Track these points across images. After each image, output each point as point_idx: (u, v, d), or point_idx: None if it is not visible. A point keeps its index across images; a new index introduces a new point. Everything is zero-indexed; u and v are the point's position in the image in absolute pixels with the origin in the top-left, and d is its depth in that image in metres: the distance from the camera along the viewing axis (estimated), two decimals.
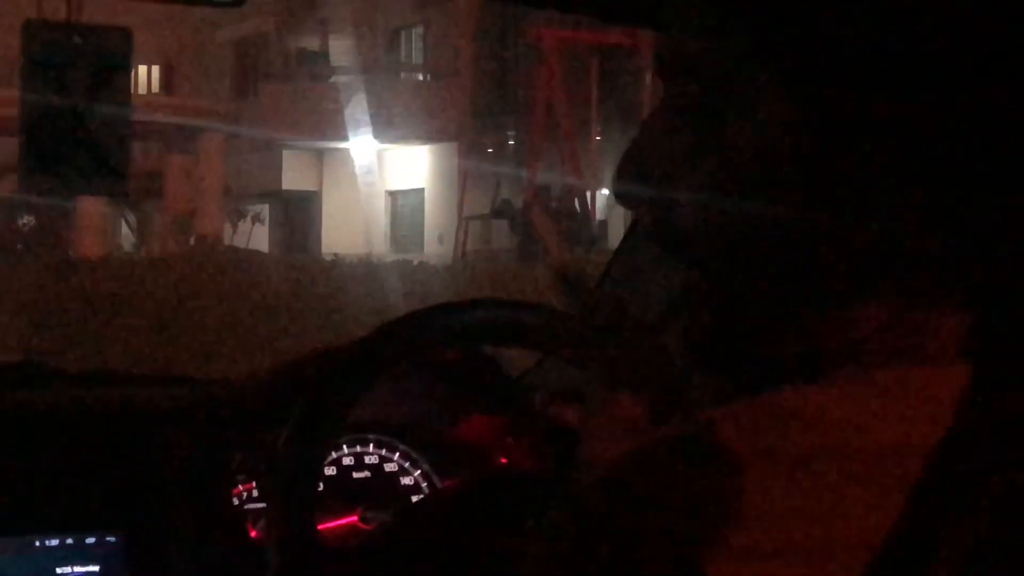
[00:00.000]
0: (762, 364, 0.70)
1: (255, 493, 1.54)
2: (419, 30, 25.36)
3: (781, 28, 0.67)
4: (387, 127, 23.92)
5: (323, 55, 25.79)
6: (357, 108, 23.31)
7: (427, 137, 24.45)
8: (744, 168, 0.68)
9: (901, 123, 0.65)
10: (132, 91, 1.36)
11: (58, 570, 1.46)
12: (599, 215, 20.58)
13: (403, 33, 25.67)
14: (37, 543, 1.47)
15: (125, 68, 1.31)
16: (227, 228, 23.05)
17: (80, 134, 1.29)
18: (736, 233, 0.69)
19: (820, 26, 0.65)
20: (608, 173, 20.96)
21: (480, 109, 23.65)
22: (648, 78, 19.11)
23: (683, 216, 0.71)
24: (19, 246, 18.59)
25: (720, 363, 0.74)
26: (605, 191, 20.76)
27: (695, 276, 0.74)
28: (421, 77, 25.74)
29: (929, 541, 0.60)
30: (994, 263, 0.67)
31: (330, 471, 1.62)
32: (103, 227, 20.26)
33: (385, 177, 25.48)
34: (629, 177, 0.74)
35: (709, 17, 0.70)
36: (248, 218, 24.78)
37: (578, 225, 19.60)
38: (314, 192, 26.43)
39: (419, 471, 1.67)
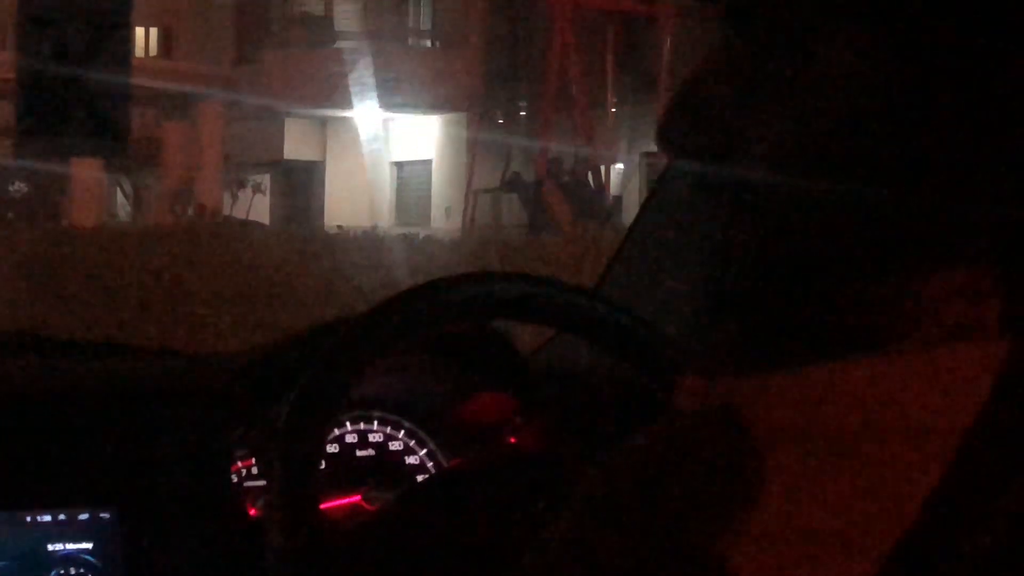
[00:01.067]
0: (797, 337, 0.69)
1: (255, 470, 1.54)
2: None
3: None
4: (393, 95, 23.91)
5: (327, 19, 25.80)
6: (362, 75, 23.27)
7: (435, 106, 24.46)
8: (831, 120, 0.67)
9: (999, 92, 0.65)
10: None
11: (50, 547, 1.47)
12: (613, 190, 20.60)
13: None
14: (28, 519, 1.47)
15: (125, 27, 1.30)
16: (227, 198, 23.05)
17: (79, 95, 1.29)
18: (810, 195, 0.68)
19: None
20: (624, 146, 20.97)
21: (491, 78, 23.64)
22: (667, 47, 19.08)
23: (751, 168, 0.70)
24: (9, 214, 18.62)
25: (752, 337, 0.74)
26: (620, 165, 20.80)
27: (739, 237, 0.73)
28: (429, 44, 25.75)
29: (958, 525, 0.60)
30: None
31: (333, 448, 1.62)
32: (98, 196, 20.26)
33: (391, 147, 25.51)
34: (682, 121, 0.72)
35: None
36: (249, 188, 24.79)
37: (591, 200, 19.61)
38: (317, 162, 26.46)
39: (425, 450, 1.67)
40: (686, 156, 0.74)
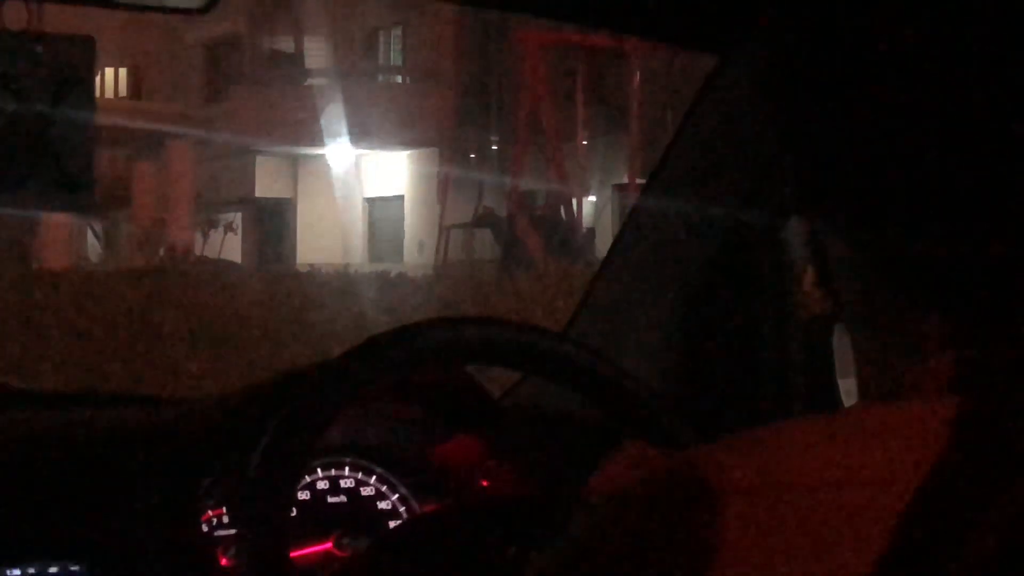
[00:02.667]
0: (748, 399, 0.70)
1: (225, 519, 1.54)
2: (398, 31, 25.41)
3: None
4: (365, 132, 23.90)
5: (297, 57, 25.82)
6: (333, 112, 23.29)
7: (407, 143, 24.48)
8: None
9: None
10: (98, 95, 1.36)
11: None
12: (586, 222, 20.62)
13: (381, 34, 25.72)
14: (7, 572, 1.47)
15: (88, 77, 1.31)
16: (198, 238, 23.02)
17: (43, 148, 1.29)
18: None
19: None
20: (596, 178, 20.97)
21: (462, 114, 23.68)
22: (636, 81, 19.14)
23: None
24: None
25: (705, 397, 0.75)
26: (592, 197, 20.82)
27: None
28: (400, 80, 25.80)
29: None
30: (982, 310, 0.67)
31: (304, 495, 1.62)
32: (68, 238, 20.25)
33: (363, 184, 25.52)
34: None
35: None
36: (220, 227, 24.75)
37: (564, 233, 19.61)
38: (288, 200, 26.44)
39: (397, 495, 1.67)
40: None
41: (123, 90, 24.28)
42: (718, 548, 0.62)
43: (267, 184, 26.24)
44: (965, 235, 0.66)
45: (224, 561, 1.50)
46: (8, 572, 1.47)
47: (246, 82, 26.32)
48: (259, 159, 25.76)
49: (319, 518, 1.61)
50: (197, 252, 20.84)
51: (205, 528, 1.53)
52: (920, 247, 0.66)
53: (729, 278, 1.74)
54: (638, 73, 18.89)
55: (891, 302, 0.68)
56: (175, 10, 1.22)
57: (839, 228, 0.69)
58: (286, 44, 26.08)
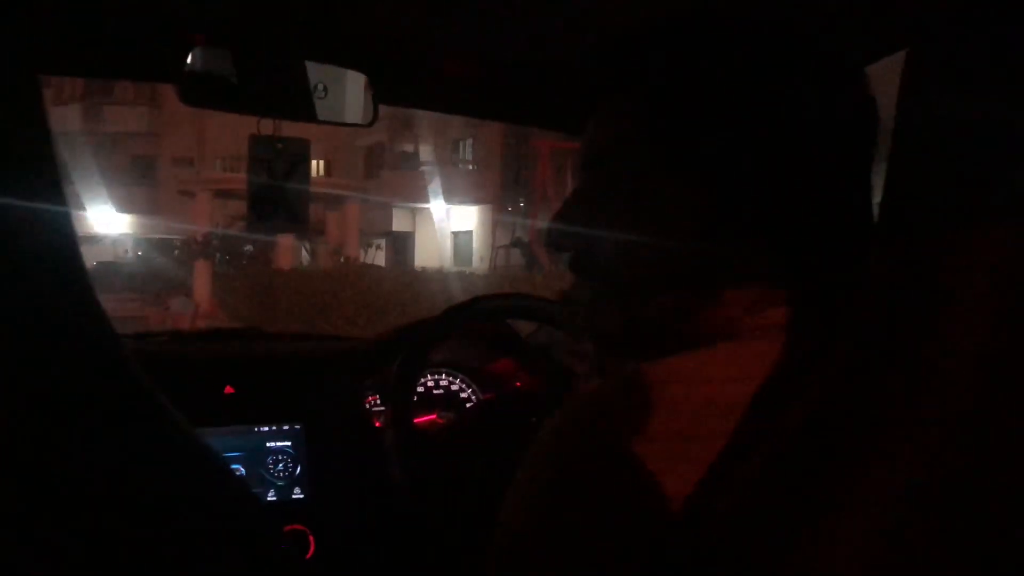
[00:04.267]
0: (647, 348, 0.67)
1: (378, 401, 1.54)
2: (470, 140, 25.28)
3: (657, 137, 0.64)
4: (452, 195, 23.89)
5: (415, 155, 25.72)
6: (435, 184, 23.33)
7: (474, 201, 24.38)
8: (631, 220, 0.65)
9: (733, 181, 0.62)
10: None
11: (267, 444, 1.47)
12: None
13: (460, 142, 25.58)
14: (256, 429, 1.47)
15: (306, 162, 1.30)
16: (361, 252, 23.01)
17: (281, 200, 1.28)
18: (631, 257, 0.66)
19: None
20: None
21: (505, 185, 23.62)
22: None
23: (598, 250, 0.67)
24: (243, 262, 18.60)
25: (618, 349, 0.71)
26: None
27: (599, 290, 0.69)
28: (471, 167, 25.66)
29: (747, 460, 0.56)
30: (803, 284, 0.64)
31: (420, 389, 1.62)
32: (291, 251, 20.26)
33: (451, 223, 25.41)
34: (556, 234, 0.70)
35: (611, 127, 0.68)
36: (373, 247, 24.74)
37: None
38: (410, 232, 26.36)
39: (470, 390, 1.66)
40: (561, 249, 0.71)
41: (322, 171, 24.22)
42: (641, 418, 0.60)
43: (399, 223, 26.18)
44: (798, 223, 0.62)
45: (377, 424, 1.50)
46: (262, 428, 1.47)
47: (387, 169, 26.25)
48: (395, 210, 25.69)
49: (429, 401, 1.61)
50: (360, 260, 20.83)
51: (367, 406, 1.53)
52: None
53: (647, 272, 1.73)
54: None
55: (740, 279, 0.63)
56: (353, 124, 1.21)
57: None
58: (409, 147, 25.96)
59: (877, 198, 0.63)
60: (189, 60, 1.10)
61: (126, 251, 21.40)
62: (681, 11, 0.64)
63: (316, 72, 1.21)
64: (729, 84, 0.61)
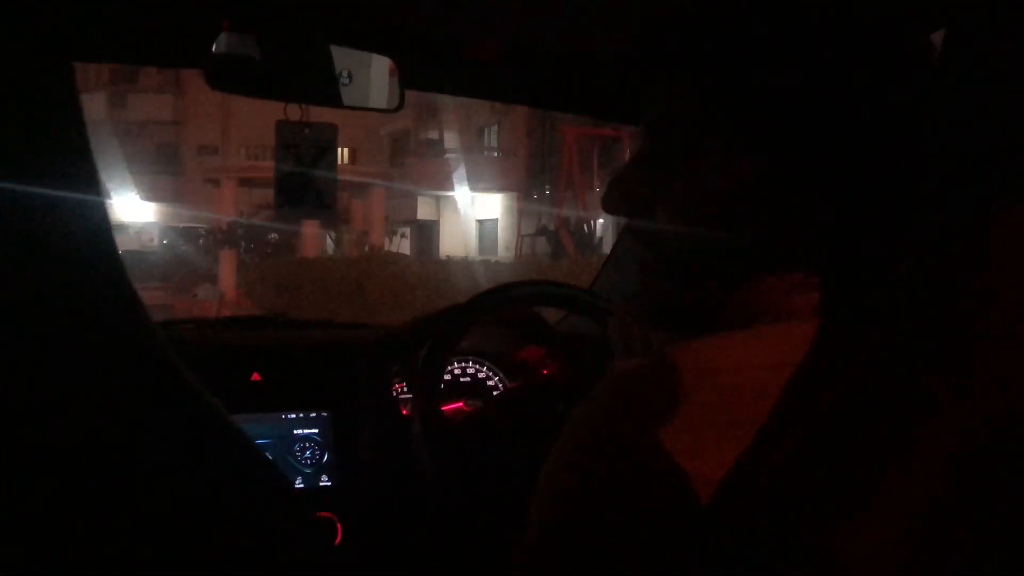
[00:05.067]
0: (690, 323, 0.67)
1: (405, 389, 1.55)
2: (495, 126, 25.23)
3: (724, 106, 0.64)
4: (476, 183, 23.88)
5: (440, 142, 25.73)
6: (460, 172, 23.34)
7: (499, 188, 24.35)
8: (686, 189, 0.65)
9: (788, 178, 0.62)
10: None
11: (295, 431, 1.48)
12: (598, 233, 20.47)
13: (486, 129, 25.55)
14: (283, 416, 1.48)
15: (333, 148, 1.31)
16: (386, 241, 23.08)
17: (308, 187, 1.29)
18: (682, 228, 0.66)
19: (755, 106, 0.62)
20: (603, 212, 20.92)
21: (530, 173, 23.58)
22: (627, 155, 18.93)
23: (652, 217, 0.68)
24: (268, 251, 18.72)
25: (664, 321, 0.71)
26: (601, 220, 20.64)
27: (651, 259, 0.69)
28: (496, 154, 25.62)
29: (784, 434, 0.56)
30: (836, 268, 0.63)
31: (447, 377, 1.62)
32: (316, 240, 20.37)
33: (476, 211, 25.41)
34: (614, 196, 0.71)
35: (670, 98, 0.67)
36: (398, 235, 24.81)
37: (586, 240, 19.51)
38: (435, 220, 26.38)
39: (497, 378, 1.67)
40: (616, 213, 0.71)
41: (347, 159, 24.29)
42: (671, 405, 0.59)
43: (424, 212, 26.20)
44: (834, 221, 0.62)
45: (404, 411, 1.50)
46: (289, 415, 1.48)
47: (412, 155, 26.29)
48: (420, 198, 25.73)
49: (455, 389, 1.62)
50: (385, 248, 20.90)
51: (394, 394, 1.54)
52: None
53: (675, 260, 1.72)
54: (628, 150, 18.70)
55: (775, 264, 0.64)
56: (378, 109, 1.21)
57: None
58: (434, 134, 25.99)
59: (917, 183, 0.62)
60: (215, 45, 1.11)
61: (151, 239, 21.59)
62: None
63: (341, 57, 1.21)
64: (785, 62, 0.61)
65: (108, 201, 0.43)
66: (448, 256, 17.79)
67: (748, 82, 0.62)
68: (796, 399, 0.57)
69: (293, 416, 1.48)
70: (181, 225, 21.64)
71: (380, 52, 1.24)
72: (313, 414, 1.49)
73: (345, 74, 1.21)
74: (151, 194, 23.50)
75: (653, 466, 0.57)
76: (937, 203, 0.54)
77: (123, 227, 20.59)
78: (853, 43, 0.62)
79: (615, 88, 1.51)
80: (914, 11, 0.62)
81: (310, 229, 18.84)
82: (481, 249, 24.27)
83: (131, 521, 0.39)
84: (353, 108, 1.23)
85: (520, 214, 23.09)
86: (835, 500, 0.50)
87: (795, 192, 0.62)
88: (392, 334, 1.61)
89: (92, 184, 0.41)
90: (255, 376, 1.48)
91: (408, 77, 1.26)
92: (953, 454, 0.48)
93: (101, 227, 0.41)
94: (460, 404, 1.57)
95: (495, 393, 1.65)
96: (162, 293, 14.55)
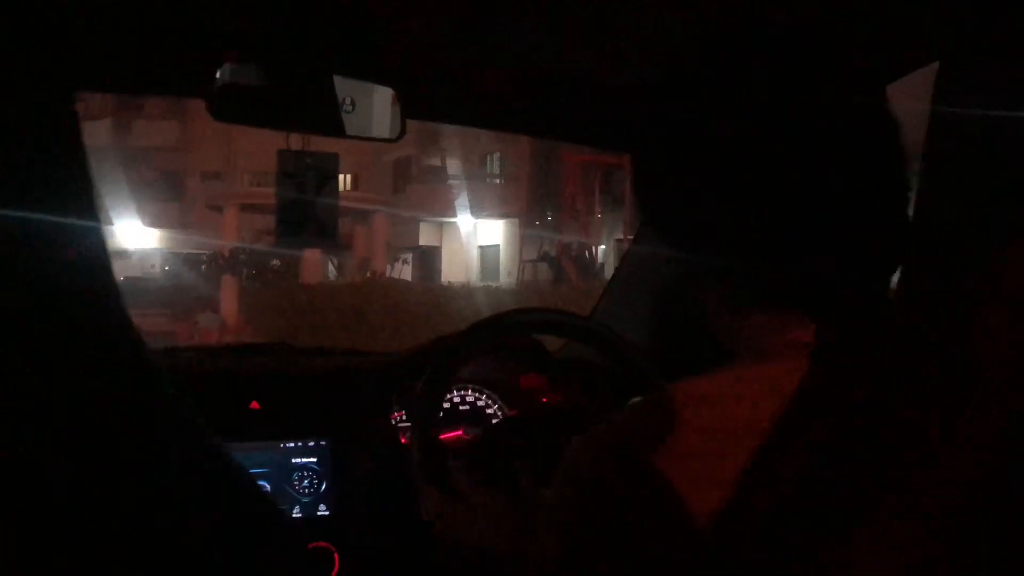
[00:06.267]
0: (689, 362, 0.68)
1: (404, 417, 1.54)
2: (497, 154, 25.36)
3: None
4: (478, 209, 23.98)
5: (443, 168, 25.83)
6: (462, 199, 23.44)
7: (501, 215, 24.43)
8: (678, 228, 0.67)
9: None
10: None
11: (293, 460, 1.47)
12: (600, 259, 20.51)
13: (488, 156, 25.66)
14: (282, 445, 1.48)
15: (335, 177, 1.31)
16: (388, 267, 23.10)
17: (310, 215, 1.29)
18: (677, 268, 0.68)
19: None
20: (605, 235, 20.82)
21: (531, 199, 23.68)
22: (627, 183, 19.01)
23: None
24: (271, 277, 18.74)
25: (668, 358, 0.72)
26: (603, 246, 20.70)
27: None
28: (498, 181, 25.72)
29: (780, 466, 0.56)
30: (828, 304, 0.64)
31: (447, 405, 1.62)
32: (318, 266, 20.40)
33: (477, 237, 25.46)
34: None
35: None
36: (400, 261, 24.85)
37: (587, 265, 19.55)
38: (437, 246, 26.43)
39: (496, 405, 1.66)
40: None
41: (349, 185, 24.37)
42: (671, 439, 0.60)
43: (426, 238, 26.27)
44: (817, 253, 0.63)
45: (403, 440, 1.50)
46: (287, 444, 1.48)
47: (415, 182, 26.37)
48: (421, 224, 25.80)
49: (455, 417, 1.61)
50: (387, 274, 20.93)
51: (393, 422, 1.53)
52: (787, 268, 0.63)
53: (675, 289, 1.72)
54: (629, 176, 18.75)
55: (768, 303, 0.65)
56: (380, 139, 1.22)
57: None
58: (437, 161, 26.07)
59: (909, 215, 0.63)
60: (219, 75, 1.12)
61: (153, 266, 21.64)
62: (721, 29, 0.65)
63: (344, 86, 1.22)
64: (765, 102, 0.62)
65: (107, 227, 0.43)
66: (449, 282, 17.79)
67: (737, 122, 0.63)
68: (788, 432, 0.58)
69: (292, 445, 1.47)
70: (183, 252, 21.70)
71: (383, 82, 1.25)
72: (312, 443, 1.48)
73: (348, 102, 1.22)
74: (154, 220, 23.57)
75: (650, 502, 0.58)
76: (928, 235, 0.55)
77: (126, 254, 20.66)
78: (829, 84, 0.63)
79: (617, 118, 1.52)
80: (893, 50, 0.63)
81: (312, 255, 18.86)
82: (483, 275, 24.30)
83: (123, 553, 0.39)
84: (355, 138, 1.24)
85: (522, 240, 23.14)
86: (832, 533, 0.50)
87: (777, 231, 0.63)
88: (392, 362, 1.61)
89: (90, 211, 0.41)
90: (254, 404, 1.48)
91: (411, 107, 1.27)
92: (943, 485, 0.49)
93: (98, 254, 0.42)
94: (459, 432, 1.57)
95: (494, 421, 1.64)
96: (164, 320, 14.56)
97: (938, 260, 0.56)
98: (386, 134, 1.26)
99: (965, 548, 0.49)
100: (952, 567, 0.48)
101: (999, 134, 0.56)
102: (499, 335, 1.48)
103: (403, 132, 1.26)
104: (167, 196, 25.99)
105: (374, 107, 1.25)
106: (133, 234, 21.81)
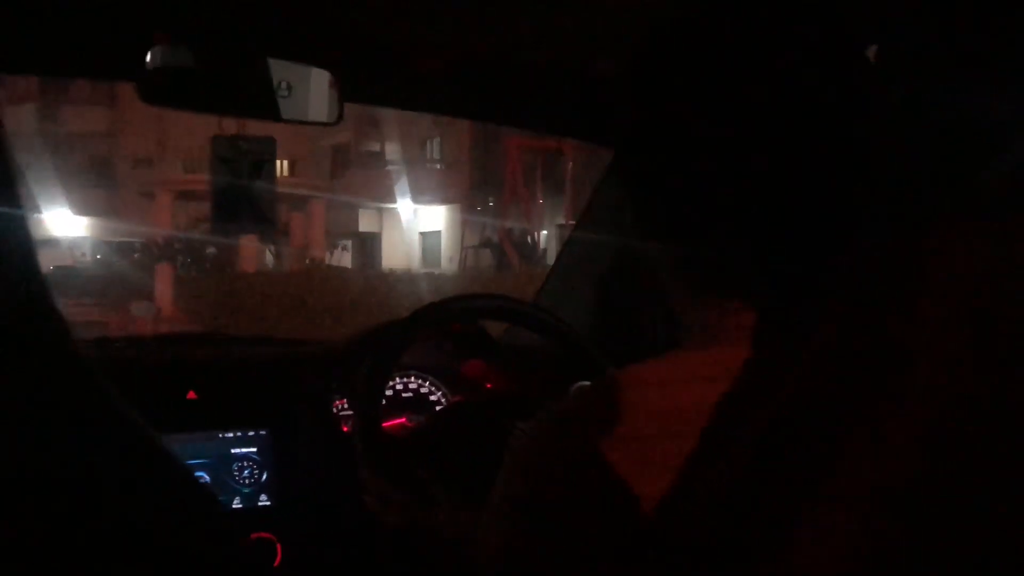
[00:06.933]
0: (632, 346, 0.68)
1: (346, 406, 1.53)
2: (438, 139, 25.25)
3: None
4: (419, 195, 23.87)
5: (382, 154, 25.62)
6: (402, 184, 23.30)
7: (442, 200, 24.37)
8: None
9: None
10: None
11: (232, 451, 1.45)
12: (541, 245, 20.59)
13: (428, 141, 25.54)
14: (220, 435, 1.46)
15: (271, 162, 1.30)
16: (327, 254, 22.87)
17: (246, 201, 1.27)
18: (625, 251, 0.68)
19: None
20: (547, 220, 20.92)
21: (473, 185, 23.65)
22: (569, 166, 19.10)
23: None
24: (207, 265, 18.41)
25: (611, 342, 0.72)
26: (544, 232, 20.78)
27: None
28: (439, 167, 25.62)
29: (725, 451, 0.57)
30: (770, 288, 0.64)
31: (389, 392, 1.61)
32: (256, 254, 20.11)
33: (419, 224, 25.35)
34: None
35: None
36: (339, 248, 24.62)
37: (530, 251, 19.62)
38: (377, 233, 26.25)
39: (440, 392, 1.66)
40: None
41: (286, 171, 24.01)
42: (617, 422, 0.60)
43: (366, 224, 26.07)
44: (767, 243, 0.63)
45: (345, 429, 1.49)
46: (226, 434, 1.46)
47: (353, 167, 26.15)
48: (361, 210, 25.59)
49: (398, 404, 1.60)
50: (326, 262, 20.72)
51: (335, 411, 1.52)
52: (736, 259, 0.64)
53: (619, 274, 1.74)
54: (571, 162, 18.86)
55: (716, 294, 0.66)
56: (317, 123, 1.20)
57: (685, 249, 0.66)
58: (376, 146, 25.85)
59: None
60: (149, 58, 1.09)
61: (84, 255, 21.09)
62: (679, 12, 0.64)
63: (279, 70, 1.20)
64: (729, 84, 0.61)
65: (31, 215, 0.42)
66: (391, 269, 17.69)
67: (698, 102, 0.62)
68: (733, 414, 0.58)
69: (230, 435, 1.45)
70: (116, 240, 21.19)
71: (320, 65, 1.23)
72: (251, 432, 1.47)
73: (284, 86, 1.20)
74: (84, 208, 22.95)
75: (596, 487, 0.58)
76: (867, 224, 0.55)
77: (54, 242, 20.08)
78: (799, 68, 0.62)
79: (558, 102, 1.52)
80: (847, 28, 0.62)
81: (249, 243, 18.58)
82: (424, 261, 24.21)
83: (52, 547, 0.38)
84: (291, 122, 1.22)
85: (463, 226, 23.10)
86: (776, 514, 0.51)
87: (729, 214, 0.63)
88: (332, 350, 1.60)
89: (12, 198, 0.40)
90: (191, 394, 1.46)
91: (349, 91, 1.25)
92: (883, 467, 0.50)
93: (22, 242, 0.40)
94: (403, 420, 1.56)
95: (438, 408, 1.64)
96: (96, 309, 14.21)
97: (870, 245, 0.57)
98: (323, 118, 1.24)
99: (905, 528, 0.50)
100: (894, 546, 0.49)
101: (926, 120, 0.57)
102: (443, 321, 1.47)
103: (341, 116, 1.25)
104: (97, 183, 25.31)
105: (311, 91, 1.23)
106: (62, 222, 21.21)
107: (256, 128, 1.25)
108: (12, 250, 0.40)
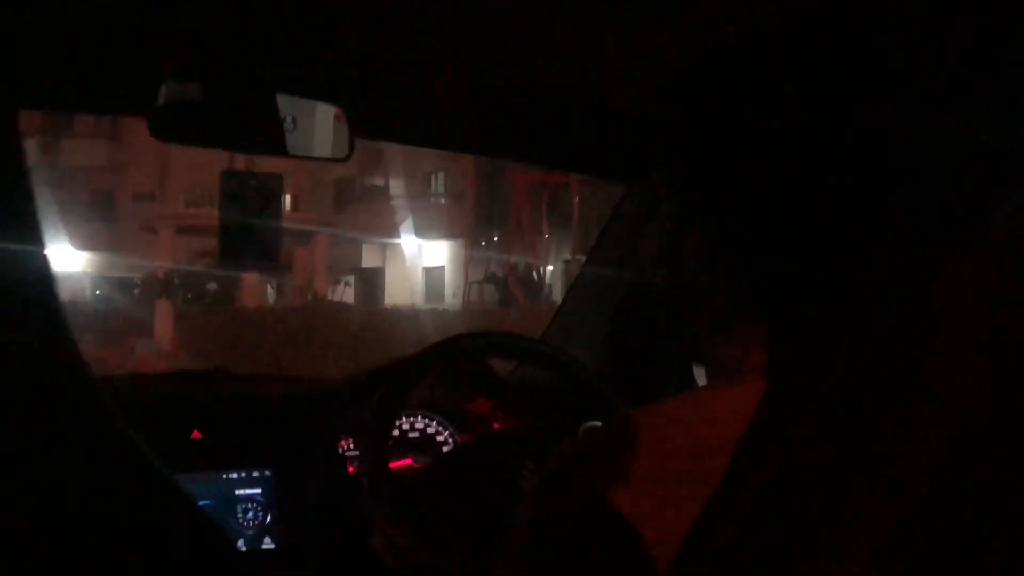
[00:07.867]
0: (644, 383, 0.69)
1: (352, 446, 1.52)
2: (442, 174, 25.36)
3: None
4: (423, 230, 23.94)
5: (386, 188, 25.73)
6: (406, 219, 23.38)
7: (446, 236, 24.42)
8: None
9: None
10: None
11: (236, 491, 1.45)
12: (547, 281, 20.60)
13: (432, 175, 25.65)
14: (224, 475, 1.45)
15: (279, 198, 1.31)
16: (329, 289, 22.89)
17: (252, 238, 1.28)
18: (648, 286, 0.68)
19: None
20: (553, 256, 20.95)
21: (477, 220, 23.73)
22: (575, 201, 19.19)
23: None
24: (208, 301, 18.44)
25: (621, 380, 0.72)
26: (551, 267, 20.81)
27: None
28: (443, 201, 25.71)
29: (744, 484, 0.57)
30: (786, 331, 0.64)
31: (396, 432, 1.61)
32: (257, 289, 20.14)
33: (422, 259, 25.38)
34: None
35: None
36: (342, 284, 24.64)
37: (536, 287, 19.63)
38: (380, 268, 26.27)
39: (447, 432, 1.65)
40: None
41: (289, 206, 24.07)
42: (632, 464, 0.60)
43: (369, 259, 26.11)
44: (781, 269, 0.64)
45: (351, 469, 1.48)
46: (231, 475, 1.45)
47: (357, 202, 26.22)
48: (364, 246, 25.65)
49: (404, 444, 1.60)
50: (329, 297, 20.73)
51: (341, 451, 1.51)
52: (750, 286, 0.65)
53: (631, 312, 1.73)
54: (577, 197, 18.94)
55: (725, 328, 0.66)
56: (327, 159, 1.21)
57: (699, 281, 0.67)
58: (380, 181, 25.95)
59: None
60: (160, 95, 1.10)
61: (83, 290, 21.12)
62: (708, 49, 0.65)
63: (288, 105, 1.21)
64: (749, 121, 0.63)
65: (50, 248, 0.43)
66: (394, 305, 17.69)
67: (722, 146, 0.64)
68: (752, 452, 0.58)
69: (235, 475, 1.45)
70: (116, 275, 21.24)
71: (328, 101, 1.24)
72: (256, 473, 1.46)
73: (289, 120, 1.21)
74: (84, 242, 23.02)
75: (614, 528, 0.58)
76: (882, 255, 0.56)
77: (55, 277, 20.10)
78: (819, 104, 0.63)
79: (570, 137, 1.53)
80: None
81: (251, 278, 18.61)
82: (428, 297, 24.19)
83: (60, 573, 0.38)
84: (298, 157, 1.23)
85: (467, 261, 23.13)
86: (798, 552, 0.51)
87: (746, 252, 0.64)
88: (338, 388, 1.59)
89: (34, 233, 0.41)
90: (195, 434, 1.45)
91: (361, 126, 1.27)
92: (901, 504, 0.50)
93: (42, 277, 0.41)
94: (409, 460, 1.55)
95: (445, 449, 1.63)
96: (94, 346, 14.21)
97: (886, 277, 0.57)
98: (328, 153, 1.25)
99: (922, 570, 0.50)
100: None
101: (943, 148, 0.58)
102: (452, 359, 1.47)
103: (351, 152, 1.26)
104: (98, 217, 25.42)
105: (316, 126, 1.24)
106: (62, 257, 21.26)
107: (264, 163, 1.26)
108: (32, 284, 0.40)
